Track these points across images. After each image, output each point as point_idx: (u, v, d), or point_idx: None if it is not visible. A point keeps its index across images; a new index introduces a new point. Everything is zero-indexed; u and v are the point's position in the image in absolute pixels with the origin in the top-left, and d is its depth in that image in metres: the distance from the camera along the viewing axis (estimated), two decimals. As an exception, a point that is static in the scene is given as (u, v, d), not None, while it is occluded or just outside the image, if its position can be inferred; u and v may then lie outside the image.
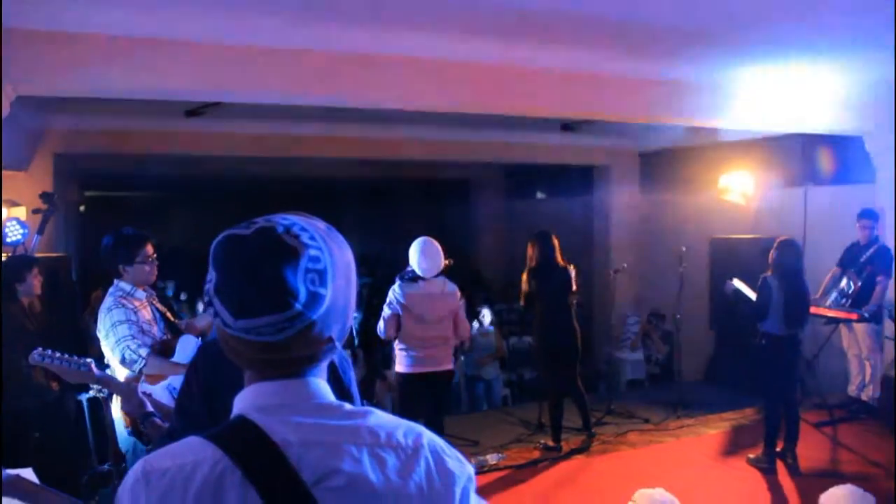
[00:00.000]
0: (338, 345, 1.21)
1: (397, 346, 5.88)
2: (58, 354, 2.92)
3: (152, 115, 8.73)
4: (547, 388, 6.81)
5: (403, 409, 5.82)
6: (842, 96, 7.39)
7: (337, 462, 1.12)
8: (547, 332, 6.65)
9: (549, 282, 6.57)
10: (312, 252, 1.14)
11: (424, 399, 5.88)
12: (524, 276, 6.67)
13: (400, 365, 5.90)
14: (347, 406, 1.21)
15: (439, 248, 5.81)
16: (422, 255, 5.76)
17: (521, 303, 6.82)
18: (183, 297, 11.66)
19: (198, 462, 1.10)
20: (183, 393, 2.19)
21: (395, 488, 1.14)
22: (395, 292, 5.81)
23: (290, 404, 1.17)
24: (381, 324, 5.84)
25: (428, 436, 1.23)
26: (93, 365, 2.91)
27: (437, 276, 5.83)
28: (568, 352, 6.66)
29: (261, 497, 1.08)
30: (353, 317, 1.25)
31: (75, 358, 2.91)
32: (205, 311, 1.09)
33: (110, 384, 2.95)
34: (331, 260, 1.16)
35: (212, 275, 1.15)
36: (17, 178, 8.05)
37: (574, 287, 6.64)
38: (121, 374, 3.61)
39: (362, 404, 2.47)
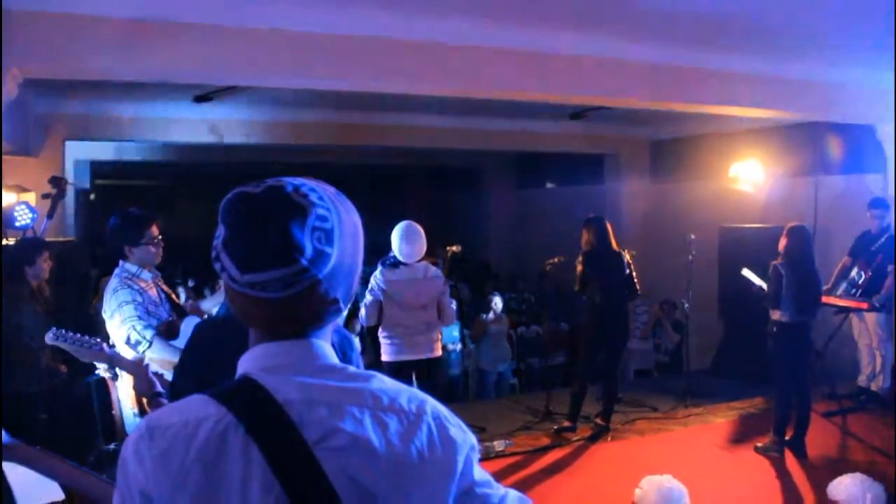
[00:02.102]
0: (343, 307, 1.22)
1: (381, 333, 5.77)
2: (70, 334, 3.02)
3: (162, 102, 8.75)
4: (580, 370, 6.78)
5: None
6: (854, 84, 7.34)
7: (339, 422, 1.13)
8: (600, 315, 6.57)
9: (604, 266, 6.52)
10: (320, 211, 1.15)
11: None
12: (579, 260, 6.58)
13: (384, 353, 5.77)
14: (351, 369, 1.22)
15: (422, 232, 5.70)
16: (403, 239, 5.65)
17: (576, 287, 6.72)
18: (191, 283, 11.69)
19: (201, 418, 1.12)
20: (177, 372, 2.20)
21: (396, 452, 1.15)
22: (376, 278, 5.71)
23: (294, 364, 1.18)
24: (362, 310, 5.75)
25: (431, 403, 1.24)
26: (104, 345, 3.00)
27: (419, 260, 5.72)
28: (617, 336, 6.66)
29: (263, 454, 1.09)
30: (358, 281, 1.26)
31: (87, 338, 3.02)
32: (213, 265, 1.09)
33: (122, 363, 3.01)
34: (338, 221, 1.18)
35: (220, 230, 1.16)
36: (27, 164, 8.07)
37: (629, 272, 6.58)
38: (126, 354, 3.62)
39: None
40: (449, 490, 1.19)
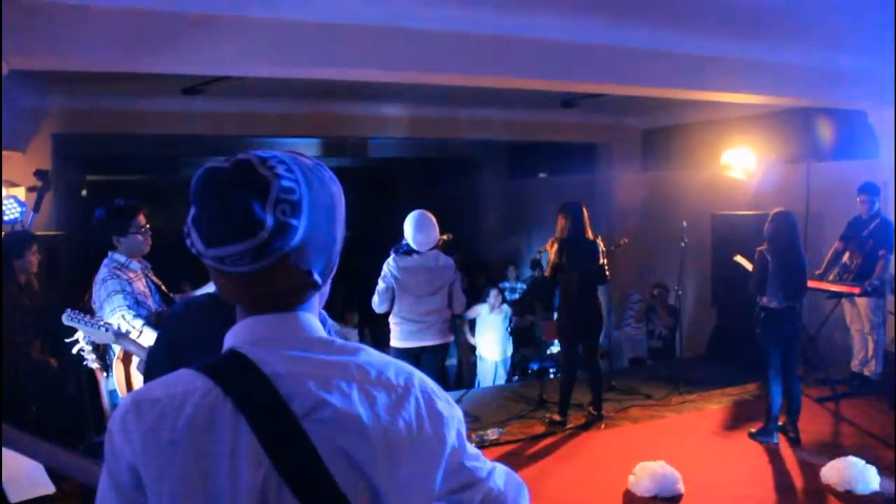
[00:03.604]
0: (318, 280, 1.20)
1: (392, 319, 5.85)
2: (83, 315, 3.24)
3: (151, 95, 8.69)
4: (564, 361, 6.77)
5: None
6: (846, 68, 7.33)
7: (326, 395, 1.13)
8: (573, 304, 6.56)
9: (579, 254, 6.48)
10: (285, 183, 1.13)
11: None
12: (553, 248, 6.55)
13: (395, 339, 5.88)
14: (339, 341, 1.21)
15: (434, 221, 5.77)
16: (416, 228, 5.72)
17: (547, 274, 6.69)
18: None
19: (189, 392, 1.11)
20: (150, 356, 2.19)
21: (384, 425, 1.15)
22: (388, 265, 5.79)
23: (281, 338, 1.18)
24: (375, 297, 5.82)
25: (419, 376, 1.24)
26: (112, 326, 3.21)
27: (431, 249, 5.79)
28: (591, 325, 6.64)
29: (251, 426, 1.09)
30: (338, 254, 1.25)
31: (97, 319, 3.25)
32: (184, 242, 1.11)
33: (129, 344, 3.13)
34: (308, 193, 1.16)
35: (192, 207, 1.16)
36: (15, 159, 8.02)
37: (602, 260, 6.57)
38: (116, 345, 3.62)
39: None
40: (438, 463, 1.20)
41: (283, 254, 1.13)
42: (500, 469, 1.34)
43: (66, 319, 3.32)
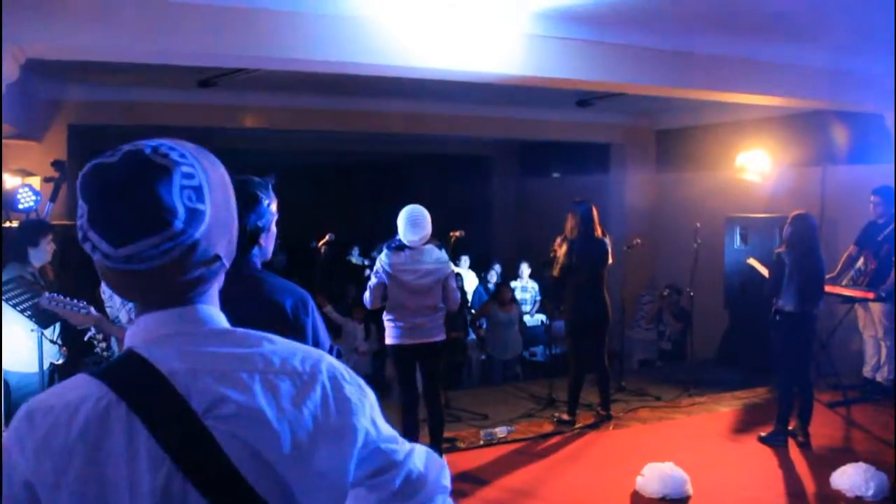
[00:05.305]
0: (226, 263, 1.18)
1: (385, 316, 5.72)
2: (62, 298, 3.33)
3: (167, 87, 8.72)
4: (572, 361, 6.77)
5: (402, 381, 5.75)
6: (863, 71, 7.28)
7: (226, 390, 1.09)
8: (581, 304, 6.58)
9: (588, 254, 6.48)
10: (185, 168, 1.11)
11: (417, 370, 5.71)
12: (563, 248, 6.54)
13: (389, 336, 5.72)
14: (240, 332, 1.18)
15: (427, 216, 5.62)
16: (408, 223, 5.56)
17: (555, 274, 6.67)
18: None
19: (82, 398, 1.07)
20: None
21: (288, 417, 1.11)
22: (381, 261, 5.65)
23: (179, 333, 1.14)
24: (366, 293, 5.70)
25: (327, 361, 1.20)
26: (91, 308, 3.29)
27: (425, 244, 5.66)
28: (599, 325, 6.63)
29: (147, 427, 1.05)
30: (237, 233, 1.22)
31: (75, 301, 3.32)
32: (82, 246, 1.07)
33: (106, 326, 3.28)
34: (205, 175, 1.14)
35: (83, 208, 1.10)
36: (31, 148, 8.08)
37: (611, 259, 6.58)
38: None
39: (332, 350, 2.48)
40: (350, 451, 1.17)
41: (194, 241, 1.10)
42: (420, 449, 1.31)
43: (45, 303, 3.41)
